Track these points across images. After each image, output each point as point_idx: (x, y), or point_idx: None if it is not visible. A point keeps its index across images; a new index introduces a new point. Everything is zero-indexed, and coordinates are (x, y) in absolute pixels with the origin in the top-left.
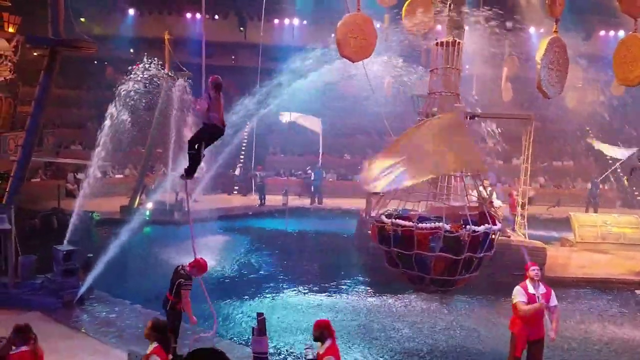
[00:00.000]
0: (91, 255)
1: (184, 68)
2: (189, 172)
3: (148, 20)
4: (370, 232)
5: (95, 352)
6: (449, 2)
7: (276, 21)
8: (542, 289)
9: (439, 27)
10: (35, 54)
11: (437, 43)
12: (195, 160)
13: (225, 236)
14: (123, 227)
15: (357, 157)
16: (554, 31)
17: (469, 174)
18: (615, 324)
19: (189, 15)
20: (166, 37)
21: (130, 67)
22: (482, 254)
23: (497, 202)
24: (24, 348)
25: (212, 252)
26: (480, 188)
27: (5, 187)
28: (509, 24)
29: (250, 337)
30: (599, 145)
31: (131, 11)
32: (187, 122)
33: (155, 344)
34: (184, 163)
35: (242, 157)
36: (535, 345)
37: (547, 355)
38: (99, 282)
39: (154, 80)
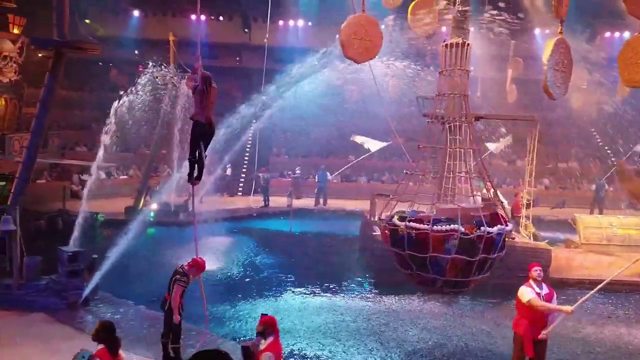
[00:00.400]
0: (96, 256)
1: (188, 69)
2: (197, 177)
3: (152, 21)
4: (380, 234)
5: None
6: (456, 4)
7: (281, 22)
8: (545, 289)
9: (444, 28)
10: (40, 55)
11: (445, 45)
12: (198, 164)
13: (230, 237)
14: (128, 228)
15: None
16: (559, 32)
17: (475, 175)
18: (624, 325)
19: (193, 17)
20: (171, 38)
21: (139, 69)
22: (495, 255)
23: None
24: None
25: (216, 253)
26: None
27: (10, 189)
28: (513, 26)
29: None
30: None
31: (135, 13)
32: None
33: (100, 346)
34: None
35: (246, 158)
36: (540, 345)
37: (553, 359)
38: (103, 283)
39: (160, 82)
